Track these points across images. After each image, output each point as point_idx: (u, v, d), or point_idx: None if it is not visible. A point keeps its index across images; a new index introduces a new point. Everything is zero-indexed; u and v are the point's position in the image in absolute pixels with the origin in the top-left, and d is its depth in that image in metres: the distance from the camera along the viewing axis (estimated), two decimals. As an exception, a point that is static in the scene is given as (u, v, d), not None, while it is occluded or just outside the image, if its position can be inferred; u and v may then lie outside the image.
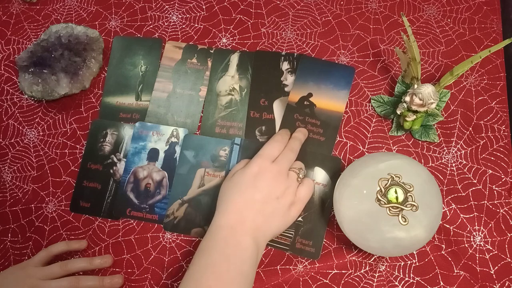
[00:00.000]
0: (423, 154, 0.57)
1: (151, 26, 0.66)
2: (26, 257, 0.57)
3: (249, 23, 0.65)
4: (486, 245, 0.53)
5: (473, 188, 0.55)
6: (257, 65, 0.62)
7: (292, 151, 0.53)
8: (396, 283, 0.53)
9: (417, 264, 0.53)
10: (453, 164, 0.57)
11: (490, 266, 0.53)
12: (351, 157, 0.58)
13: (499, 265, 0.52)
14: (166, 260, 0.56)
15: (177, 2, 0.67)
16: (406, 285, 0.53)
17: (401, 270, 0.53)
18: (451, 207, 0.55)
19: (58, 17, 0.67)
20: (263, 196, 0.49)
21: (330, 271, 0.54)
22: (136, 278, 0.55)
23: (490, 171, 0.56)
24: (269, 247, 0.55)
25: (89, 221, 0.58)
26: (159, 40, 0.64)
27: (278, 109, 0.60)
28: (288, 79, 0.61)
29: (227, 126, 0.60)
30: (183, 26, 0.65)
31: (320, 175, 0.57)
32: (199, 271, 0.45)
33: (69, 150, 0.61)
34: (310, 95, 0.60)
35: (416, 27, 0.63)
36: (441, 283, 0.52)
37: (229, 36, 0.64)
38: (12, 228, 0.58)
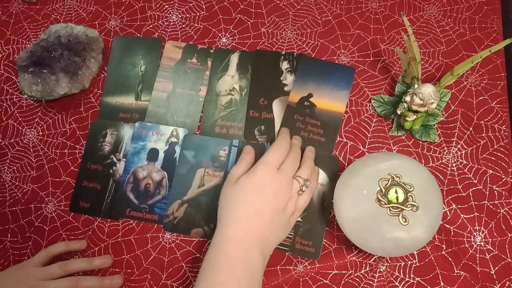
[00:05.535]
0: (424, 154, 0.57)
1: (151, 26, 0.66)
2: (26, 257, 0.57)
3: (249, 22, 0.65)
4: (487, 245, 0.53)
5: (474, 188, 0.55)
6: (256, 64, 0.62)
7: (295, 159, 0.51)
8: (397, 284, 0.53)
9: (418, 264, 0.53)
10: (454, 164, 0.56)
11: (491, 266, 0.52)
12: (351, 157, 0.58)
13: (499, 265, 0.52)
14: (166, 260, 0.55)
15: (177, 1, 0.67)
16: (406, 286, 0.52)
17: (401, 271, 0.53)
18: (451, 207, 0.55)
19: (58, 17, 0.67)
20: (272, 208, 0.47)
21: (330, 272, 0.53)
22: (135, 278, 0.55)
23: (491, 171, 0.56)
24: (269, 247, 0.55)
25: (89, 221, 0.58)
26: (159, 39, 0.64)
27: (277, 109, 0.60)
28: (288, 79, 0.61)
29: (227, 126, 0.60)
30: (183, 25, 0.65)
31: (319, 175, 0.56)
32: None
33: (69, 150, 0.61)
34: (310, 95, 0.60)
35: (417, 27, 0.63)
36: (442, 284, 0.52)
37: (229, 35, 0.64)
38: (12, 228, 0.58)
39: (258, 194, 0.47)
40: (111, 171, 0.59)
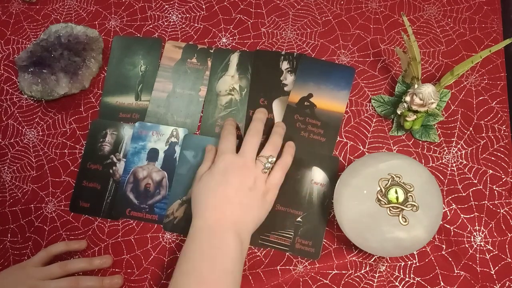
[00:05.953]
0: (424, 154, 0.57)
1: (151, 26, 0.66)
2: (26, 257, 0.57)
3: (249, 22, 0.65)
4: (487, 245, 0.53)
5: (474, 188, 0.55)
6: (256, 64, 0.62)
7: (253, 138, 0.52)
8: (397, 284, 0.53)
9: (418, 264, 0.53)
10: (454, 164, 0.56)
11: (491, 266, 0.52)
12: (351, 157, 0.58)
13: (499, 265, 0.52)
14: (166, 260, 0.55)
15: (176, 1, 0.67)
16: (406, 286, 0.52)
17: (401, 271, 0.53)
18: (451, 207, 0.55)
19: (58, 17, 0.67)
20: (235, 190, 0.49)
21: (330, 272, 0.53)
22: (135, 278, 0.55)
23: (491, 171, 0.56)
24: (269, 248, 0.55)
25: (89, 221, 0.58)
26: (158, 39, 0.64)
27: (277, 109, 0.60)
28: (288, 79, 0.61)
29: (227, 126, 0.60)
30: (183, 25, 0.65)
31: (318, 175, 0.56)
32: (182, 278, 0.45)
33: (69, 150, 0.61)
34: (310, 95, 0.60)
35: (417, 27, 0.63)
36: (442, 284, 0.52)
37: (229, 35, 0.64)
38: (12, 228, 0.58)
39: (221, 182, 0.49)
40: (111, 171, 0.59)
